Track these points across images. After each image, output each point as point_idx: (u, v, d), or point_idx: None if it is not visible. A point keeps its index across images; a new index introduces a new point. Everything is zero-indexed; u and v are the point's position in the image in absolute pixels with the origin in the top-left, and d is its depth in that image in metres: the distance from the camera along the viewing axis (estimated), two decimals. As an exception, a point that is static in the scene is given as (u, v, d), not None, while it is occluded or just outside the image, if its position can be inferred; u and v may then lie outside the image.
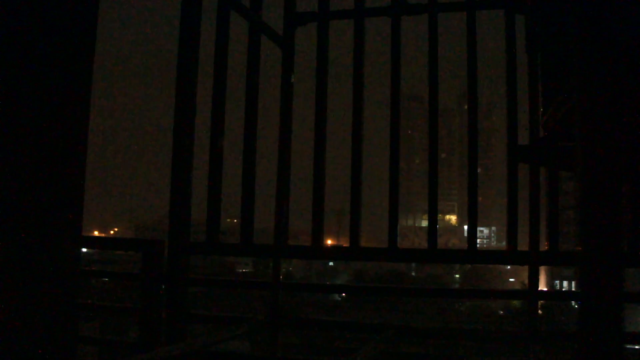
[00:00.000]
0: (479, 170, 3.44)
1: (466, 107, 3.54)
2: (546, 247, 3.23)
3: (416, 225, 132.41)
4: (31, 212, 1.21)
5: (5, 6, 1.19)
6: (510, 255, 3.24)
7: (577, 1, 1.53)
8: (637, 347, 3.14)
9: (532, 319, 3.11)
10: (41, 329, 1.23)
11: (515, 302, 30.72)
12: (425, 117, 7.45)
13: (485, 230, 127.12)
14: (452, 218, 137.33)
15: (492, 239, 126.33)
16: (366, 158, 3.56)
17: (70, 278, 1.30)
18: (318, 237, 3.44)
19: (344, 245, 3.56)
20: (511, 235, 3.26)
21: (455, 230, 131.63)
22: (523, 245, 3.22)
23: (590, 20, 1.50)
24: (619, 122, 1.46)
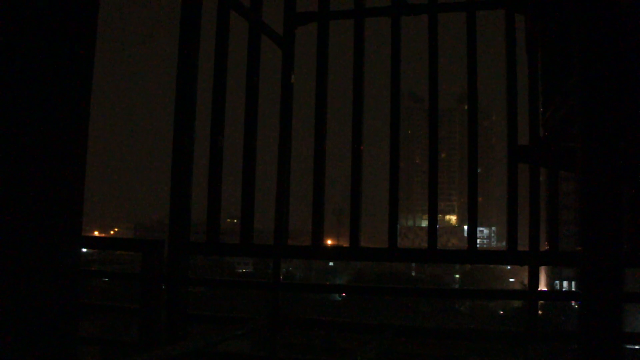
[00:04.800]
0: (479, 170, 3.45)
1: (466, 107, 3.54)
2: (546, 247, 3.23)
3: (416, 225, 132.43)
4: (31, 212, 1.21)
5: (5, 6, 1.19)
6: (510, 255, 3.24)
7: (577, 1, 1.53)
8: (637, 347, 3.14)
9: (532, 319, 3.11)
10: (41, 329, 1.22)
11: (515, 302, 30.71)
12: (425, 117, 7.45)
13: (485, 230, 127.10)
14: (452, 218, 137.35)
15: (492, 239, 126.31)
16: (366, 158, 3.57)
17: (70, 278, 1.30)
18: (318, 237, 3.45)
19: (344, 245, 3.56)
20: (511, 235, 3.26)
21: (455, 230, 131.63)
22: (523, 245, 3.22)
23: (590, 20, 1.50)
24: (619, 122, 1.46)
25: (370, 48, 4.16)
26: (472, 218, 3.32)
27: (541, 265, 3.25)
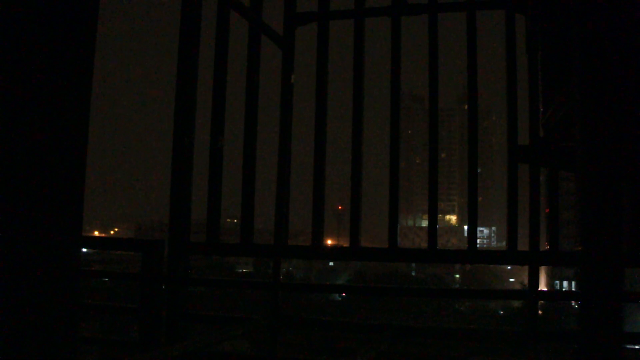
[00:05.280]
0: (479, 170, 3.45)
1: (466, 107, 3.54)
2: (546, 247, 3.23)
3: (416, 225, 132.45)
4: (31, 212, 1.21)
5: (5, 6, 1.19)
6: (510, 255, 3.24)
7: (577, 2, 1.53)
8: (637, 347, 3.14)
9: (532, 319, 3.11)
10: (41, 329, 1.22)
11: (515, 302, 30.71)
12: (425, 117, 7.45)
13: (485, 230, 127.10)
14: (452, 218, 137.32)
15: (492, 239, 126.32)
16: (366, 158, 3.57)
17: (70, 278, 1.30)
18: (318, 237, 3.45)
19: (344, 245, 3.56)
20: (511, 235, 3.26)
21: (455, 230, 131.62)
22: (523, 245, 3.22)
23: (590, 21, 1.50)
24: (619, 122, 1.46)
25: (370, 48, 4.16)
26: (472, 218, 3.32)
27: (541, 265, 3.25)
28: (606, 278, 1.41)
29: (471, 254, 3.23)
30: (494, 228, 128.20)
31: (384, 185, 3.60)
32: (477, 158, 3.36)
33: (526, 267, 3.19)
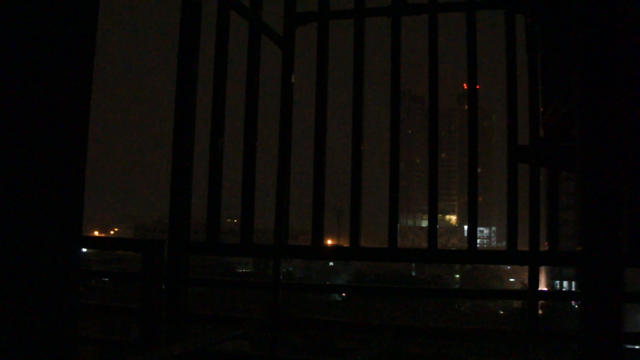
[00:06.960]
0: (479, 170, 3.45)
1: (466, 107, 3.54)
2: (546, 247, 3.23)
3: (416, 225, 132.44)
4: (31, 212, 1.21)
5: (5, 6, 1.19)
6: (510, 255, 3.24)
7: (577, 2, 1.53)
8: (637, 347, 3.14)
9: (532, 319, 3.11)
10: (41, 329, 1.22)
11: (515, 302, 30.72)
12: (425, 117, 7.45)
13: (485, 230, 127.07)
14: (452, 218, 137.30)
15: (492, 239, 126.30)
16: (366, 158, 3.57)
17: (70, 278, 1.30)
18: (318, 237, 3.45)
19: (344, 245, 3.56)
20: (511, 235, 3.26)
21: (455, 230, 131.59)
22: (523, 245, 3.22)
23: (591, 21, 1.50)
24: (619, 122, 1.46)
25: (370, 48, 4.16)
26: (472, 218, 3.32)
27: (541, 265, 3.25)
28: (606, 278, 1.41)
29: (471, 254, 3.23)
30: (494, 228, 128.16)
31: (384, 185, 3.60)
32: (477, 158, 3.36)
33: (526, 267, 3.19)
